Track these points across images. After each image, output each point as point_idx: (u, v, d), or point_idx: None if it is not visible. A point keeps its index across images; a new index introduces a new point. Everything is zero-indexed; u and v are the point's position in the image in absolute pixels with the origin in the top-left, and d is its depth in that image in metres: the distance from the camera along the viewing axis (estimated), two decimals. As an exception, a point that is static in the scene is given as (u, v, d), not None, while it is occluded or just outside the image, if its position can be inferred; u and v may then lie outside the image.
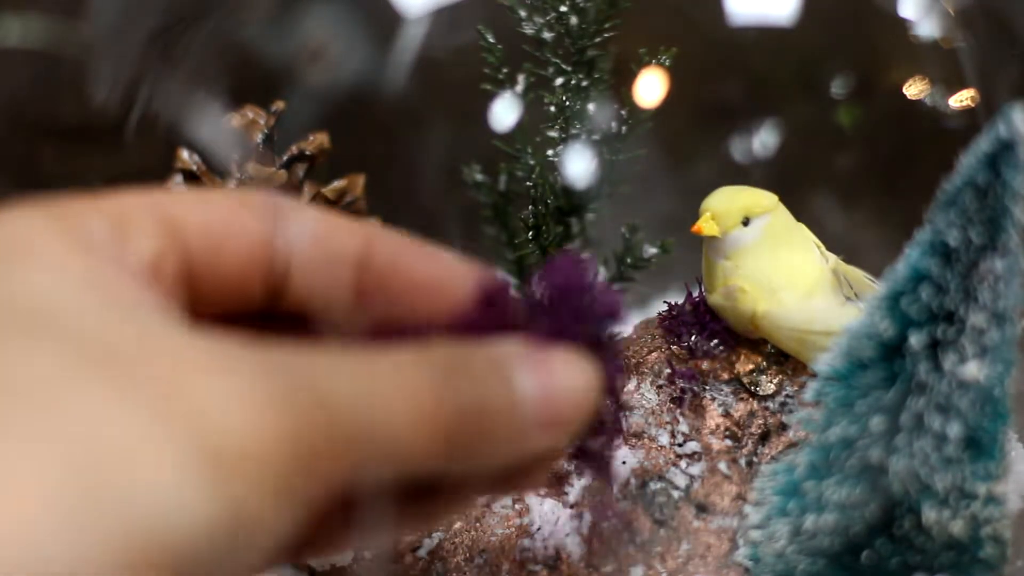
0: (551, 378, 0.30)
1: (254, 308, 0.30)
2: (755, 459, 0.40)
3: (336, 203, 0.49)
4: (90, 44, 0.50)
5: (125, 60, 0.51)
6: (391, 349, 0.29)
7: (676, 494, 0.39)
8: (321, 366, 0.26)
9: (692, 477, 0.40)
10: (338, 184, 0.49)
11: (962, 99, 0.52)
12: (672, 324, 0.44)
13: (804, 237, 0.42)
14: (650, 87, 0.48)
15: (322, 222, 0.31)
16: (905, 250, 0.33)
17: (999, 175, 0.31)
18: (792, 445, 0.39)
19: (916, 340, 0.32)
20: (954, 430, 0.32)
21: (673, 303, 0.44)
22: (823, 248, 0.42)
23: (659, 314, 0.45)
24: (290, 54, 0.57)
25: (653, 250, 0.48)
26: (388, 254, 0.31)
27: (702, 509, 0.39)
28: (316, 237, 0.31)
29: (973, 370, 0.32)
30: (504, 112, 0.49)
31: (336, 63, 0.57)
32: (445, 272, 0.32)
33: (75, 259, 0.25)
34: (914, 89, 0.54)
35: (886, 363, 0.33)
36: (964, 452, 0.33)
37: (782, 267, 0.41)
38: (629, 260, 0.49)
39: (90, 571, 0.21)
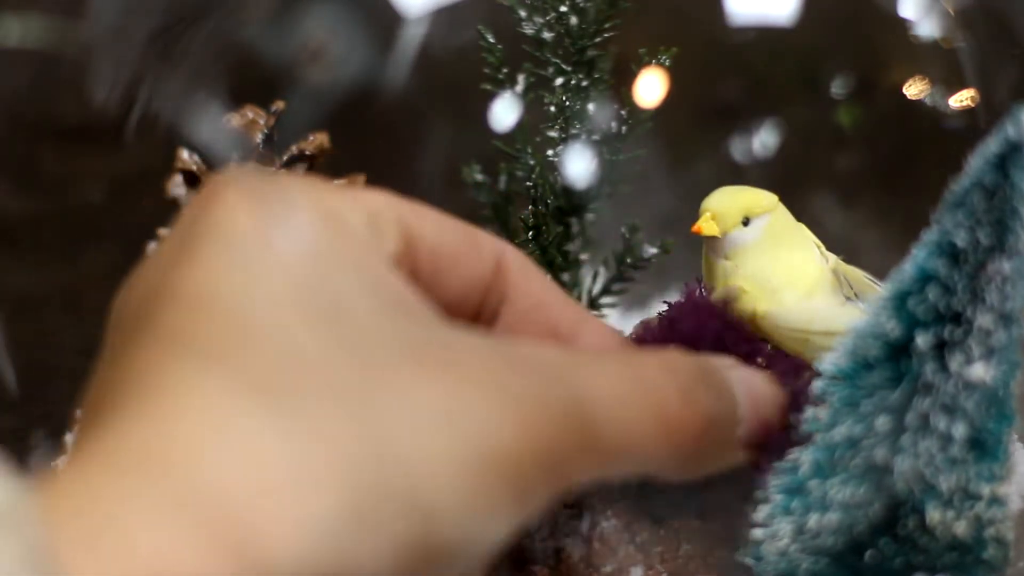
0: (756, 393, 0.31)
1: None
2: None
3: (336, 203, 0.49)
4: (90, 44, 0.50)
5: (125, 60, 0.51)
6: (635, 353, 0.29)
7: (677, 494, 0.40)
8: (576, 366, 0.26)
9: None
10: (338, 184, 0.49)
11: (962, 99, 0.52)
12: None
13: (804, 237, 0.42)
14: (650, 87, 0.48)
15: (540, 293, 0.31)
16: (912, 250, 0.33)
17: (1007, 176, 0.31)
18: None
19: (923, 341, 0.32)
20: (959, 431, 0.32)
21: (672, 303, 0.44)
22: (823, 248, 0.42)
23: (658, 314, 0.45)
24: (290, 54, 0.57)
25: (653, 250, 0.48)
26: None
27: (702, 509, 0.39)
28: (530, 309, 0.31)
29: (980, 371, 0.31)
30: (504, 112, 0.49)
31: (336, 63, 0.57)
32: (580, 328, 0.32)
33: (342, 244, 0.25)
34: (914, 89, 0.54)
35: (892, 363, 0.33)
36: (969, 453, 0.33)
37: (782, 267, 0.41)
38: (629, 260, 0.49)
39: (375, 569, 0.21)
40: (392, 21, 0.58)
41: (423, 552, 0.22)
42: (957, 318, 0.32)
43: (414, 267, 0.28)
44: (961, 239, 0.32)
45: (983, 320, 0.31)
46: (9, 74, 0.52)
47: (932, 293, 0.32)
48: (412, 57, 0.58)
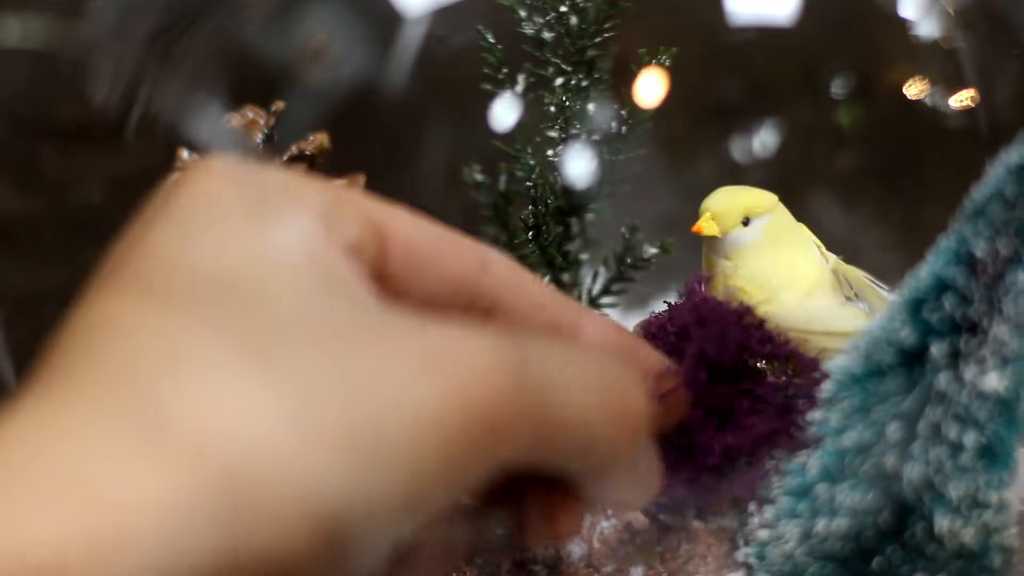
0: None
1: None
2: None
3: (336, 202, 0.49)
4: (90, 44, 0.50)
5: (125, 60, 0.51)
6: (582, 342, 0.31)
7: (677, 493, 0.39)
8: (533, 346, 0.27)
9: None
10: (338, 183, 0.49)
11: (962, 99, 0.52)
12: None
13: (804, 237, 0.42)
14: (650, 87, 0.48)
15: (534, 294, 0.32)
16: (927, 257, 0.33)
17: None
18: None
19: (937, 350, 0.32)
20: (971, 440, 0.32)
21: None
22: (823, 248, 0.42)
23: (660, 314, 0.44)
24: (290, 54, 0.57)
25: (653, 250, 0.48)
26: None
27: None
28: (528, 311, 0.32)
29: (994, 381, 0.31)
30: (504, 112, 0.49)
31: (336, 63, 0.57)
32: None
33: (293, 225, 0.26)
34: (914, 89, 0.54)
35: (905, 369, 0.33)
36: (979, 461, 0.32)
37: (782, 267, 0.41)
38: (629, 260, 0.49)
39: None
40: (392, 21, 0.58)
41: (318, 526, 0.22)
42: (973, 328, 0.32)
43: (383, 258, 0.29)
44: (980, 249, 0.32)
45: (999, 330, 0.31)
46: (9, 74, 0.52)
47: (948, 302, 0.32)
48: (412, 57, 0.58)
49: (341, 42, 0.57)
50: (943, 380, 0.32)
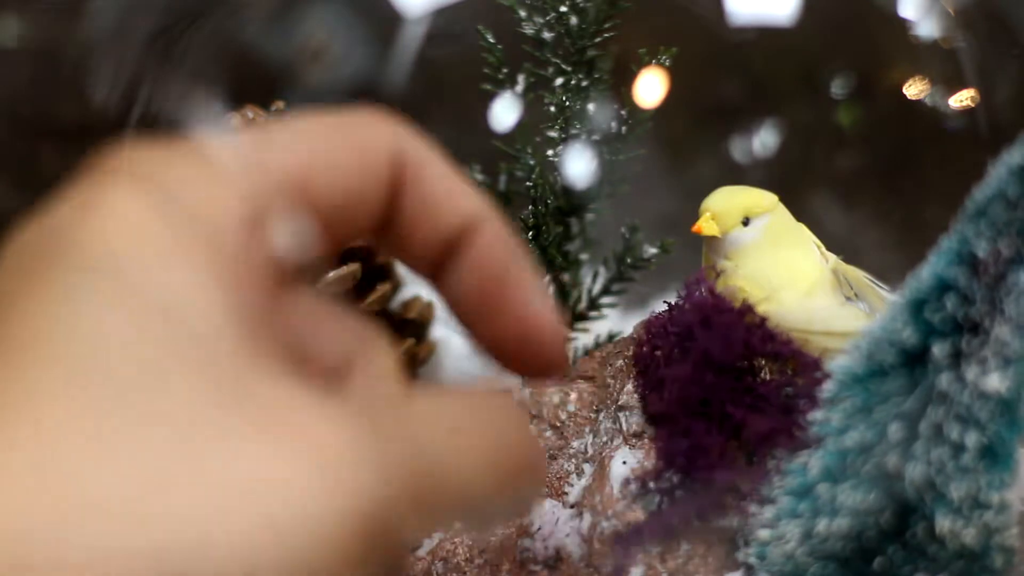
0: None
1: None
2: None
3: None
4: (90, 44, 0.50)
5: (125, 60, 0.51)
6: (463, 392, 0.27)
7: (677, 494, 0.39)
8: (412, 416, 0.25)
9: (693, 477, 0.40)
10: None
11: (962, 99, 0.52)
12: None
13: (804, 237, 0.42)
14: (650, 87, 0.48)
15: (447, 192, 0.28)
16: (929, 257, 0.33)
17: None
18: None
19: (939, 350, 0.32)
20: (972, 440, 0.32)
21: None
22: (823, 248, 0.42)
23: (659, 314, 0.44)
24: (290, 54, 0.57)
25: (653, 250, 0.48)
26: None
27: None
28: (432, 210, 0.28)
29: (996, 382, 0.31)
30: (504, 112, 0.49)
31: (336, 63, 0.57)
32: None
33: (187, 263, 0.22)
34: (914, 89, 0.54)
35: (907, 369, 0.33)
36: (980, 462, 0.32)
37: (782, 267, 0.41)
38: (629, 260, 0.49)
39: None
40: (392, 21, 0.58)
41: None
42: (974, 328, 0.32)
43: (398, 191, 0.27)
44: (982, 249, 0.31)
45: (1001, 331, 0.31)
46: (9, 74, 0.52)
47: (950, 302, 0.32)
48: (411, 57, 0.58)
49: (341, 42, 0.57)
50: (945, 380, 0.32)
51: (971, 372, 0.32)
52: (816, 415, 0.35)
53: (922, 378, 0.33)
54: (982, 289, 0.32)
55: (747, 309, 0.37)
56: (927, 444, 0.33)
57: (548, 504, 0.42)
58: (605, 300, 0.51)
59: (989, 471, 0.33)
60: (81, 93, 0.51)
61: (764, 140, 0.59)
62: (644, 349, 0.41)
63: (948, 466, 0.32)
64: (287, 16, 0.57)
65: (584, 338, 0.51)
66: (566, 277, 0.50)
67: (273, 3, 0.57)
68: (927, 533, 0.33)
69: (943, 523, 0.33)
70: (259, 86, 0.55)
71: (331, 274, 0.47)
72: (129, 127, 0.51)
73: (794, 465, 0.36)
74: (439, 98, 0.61)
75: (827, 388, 0.35)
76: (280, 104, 0.49)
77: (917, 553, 0.34)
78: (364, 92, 0.58)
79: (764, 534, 0.36)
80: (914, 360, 0.33)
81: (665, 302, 0.42)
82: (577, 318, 0.51)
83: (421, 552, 0.43)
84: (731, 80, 0.62)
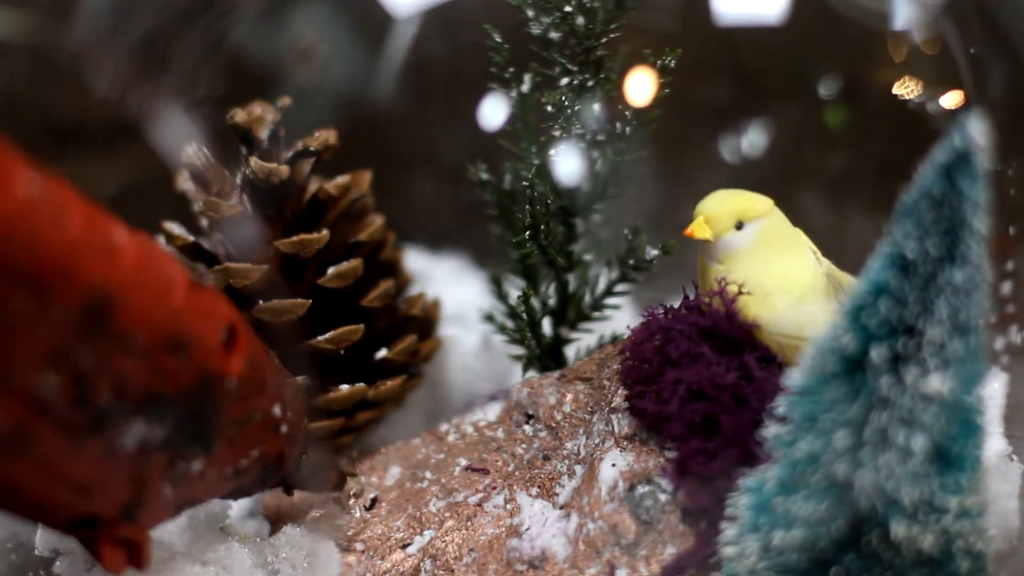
0: None
1: None
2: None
3: (339, 199, 0.49)
4: (84, 45, 0.51)
5: (119, 62, 0.51)
6: None
7: (663, 497, 0.39)
8: None
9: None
10: (342, 180, 0.49)
11: (954, 99, 0.51)
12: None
13: (799, 242, 0.42)
14: (642, 88, 0.48)
15: None
16: (867, 263, 0.33)
17: (955, 186, 0.30)
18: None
19: (877, 354, 0.32)
20: (919, 444, 0.32)
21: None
22: (819, 253, 0.42)
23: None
24: (280, 54, 0.57)
25: (655, 252, 0.48)
26: None
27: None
28: None
29: (936, 383, 0.31)
30: (497, 111, 0.49)
31: (325, 63, 0.57)
32: None
33: None
34: (904, 89, 0.53)
35: (849, 376, 0.33)
36: (931, 466, 0.32)
37: (775, 272, 0.41)
38: (632, 261, 0.49)
39: None
40: (382, 21, 0.58)
41: None
42: (910, 330, 0.32)
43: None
44: (911, 250, 0.31)
45: (933, 332, 0.31)
46: (8, 73, 0.53)
47: (884, 306, 0.32)
48: (402, 57, 0.59)
49: (330, 43, 0.57)
50: (885, 384, 0.32)
51: (910, 375, 0.31)
52: (771, 430, 0.35)
53: (863, 384, 0.33)
54: (914, 291, 0.31)
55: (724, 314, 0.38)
56: (874, 450, 0.32)
57: (539, 505, 0.42)
58: (609, 301, 0.50)
59: (942, 475, 0.32)
60: (79, 92, 0.52)
61: (754, 141, 0.58)
62: (631, 362, 0.42)
63: (897, 471, 0.32)
64: (277, 17, 0.58)
65: (587, 339, 0.51)
66: (570, 278, 0.50)
67: (263, 4, 0.58)
68: (882, 540, 0.33)
69: (898, 529, 0.32)
70: (249, 86, 0.55)
71: (332, 270, 0.47)
72: (127, 127, 0.51)
73: (754, 480, 0.35)
74: (428, 98, 0.61)
75: (782, 402, 0.35)
76: (286, 100, 0.49)
77: (874, 561, 0.34)
78: (353, 92, 0.58)
79: (729, 551, 0.36)
80: (855, 367, 0.33)
81: (662, 305, 0.42)
82: (582, 318, 0.51)
83: (411, 550, 0.43)
84: (723, 80, 0.61)
